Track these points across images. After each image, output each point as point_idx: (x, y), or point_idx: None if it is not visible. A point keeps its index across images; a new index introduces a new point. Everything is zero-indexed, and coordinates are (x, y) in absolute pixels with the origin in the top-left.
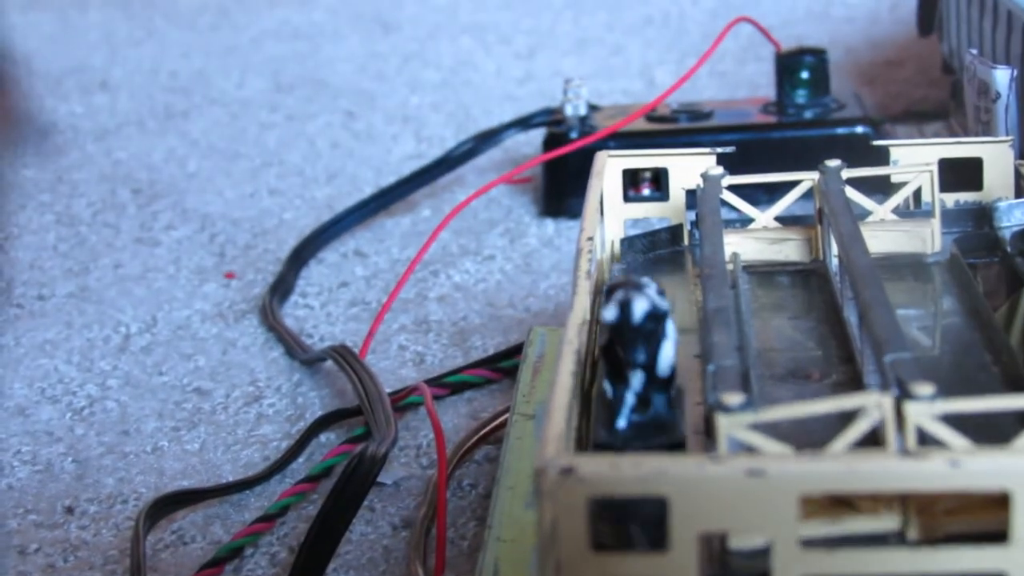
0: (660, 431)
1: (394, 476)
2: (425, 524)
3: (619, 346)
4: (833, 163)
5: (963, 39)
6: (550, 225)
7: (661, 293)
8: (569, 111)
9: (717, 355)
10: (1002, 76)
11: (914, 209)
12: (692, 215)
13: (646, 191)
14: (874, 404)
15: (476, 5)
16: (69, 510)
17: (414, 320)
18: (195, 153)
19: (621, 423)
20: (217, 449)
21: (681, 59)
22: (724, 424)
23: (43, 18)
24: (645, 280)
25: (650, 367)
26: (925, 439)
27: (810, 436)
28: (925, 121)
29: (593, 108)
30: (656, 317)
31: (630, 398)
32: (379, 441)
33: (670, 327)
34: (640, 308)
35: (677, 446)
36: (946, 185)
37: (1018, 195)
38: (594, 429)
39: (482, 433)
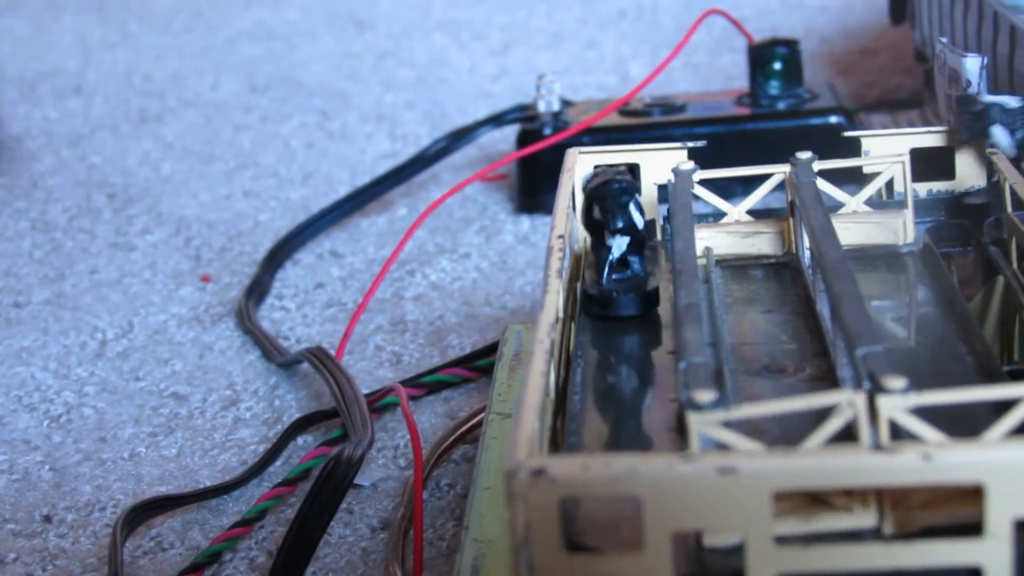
0: (636, 286)
1: (372, 478)
2: (403, 525)
3: (602, 218)
4: (804, 155)
5: (935, 27)
6: (525, 221)
7: (629, 174)
8: (542, 107)
9: (688, 352)
10: (972, 64)
11: (887, 199)
12: (664, 210)
13: None
14: (847, 402)
15: (450, 2)
16: (47, 518)
17: (390, 320)
18: (170, 156)
19: (604, 280)
20: (194, 454)
21: (655, 52)
22: (695, 422)
23: (16, 23)
24: (620, 169)
25: (630, 232)
26: (899, 432)
27: (786, 430)
28: (900, 109)
29: (566, 103)
30: (628, 191)
31: (612, 259)
32: (356, 443)
33: (637, 200)
34: (615, 185)
35: (652, 296)
36: (918, 174)
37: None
38: (586, 285)
39: (459, 433)
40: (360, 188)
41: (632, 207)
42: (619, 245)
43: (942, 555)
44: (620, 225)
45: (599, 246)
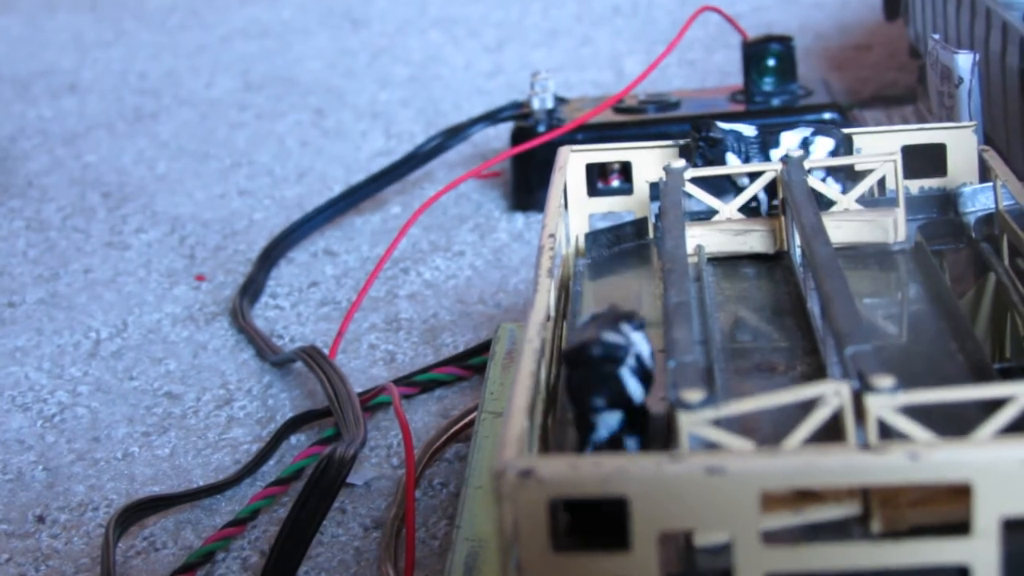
0: None
1: (364, 477)
2: (396, 525)
3: (580, 391)
4: (795, 153)
5: (928, 23)
6: (519, 219)
7: (632, 322)
8: (536, 104)
9: (677, 351)
10: (964, 61)
11: (878, 197)
12: (657, 207)
13: (615, 182)
14: (832, 392)
15: None
16: (40, 519)
17: (384, 319)
18: (164, 155)
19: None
20: (188, 453)
21: (650, 48)
22: (684, 421)
23: (11, 21)
24: (620, 313)
25: (622, 406)
26: (887, 431)
27: (778, 428)
28: (894, 106)
29: (561, 101)
30: (614, 358)
31: (596, 440)
32: (348, 442)
33: (639, 360)
34: (596, 350)
35: None
36: (910, 171)
37: (982, 180)
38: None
39: (452, 431)
40: (354, 186)
41: (626, 375)
42: (606, 424)
43: (930, 554)
44: (599, 405)
45: (582, 422)
